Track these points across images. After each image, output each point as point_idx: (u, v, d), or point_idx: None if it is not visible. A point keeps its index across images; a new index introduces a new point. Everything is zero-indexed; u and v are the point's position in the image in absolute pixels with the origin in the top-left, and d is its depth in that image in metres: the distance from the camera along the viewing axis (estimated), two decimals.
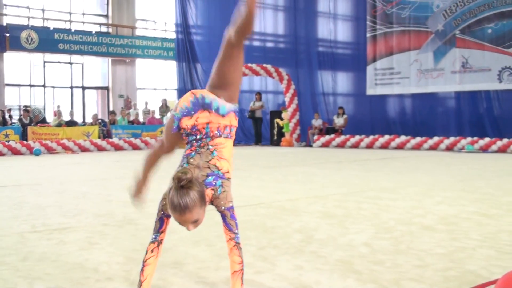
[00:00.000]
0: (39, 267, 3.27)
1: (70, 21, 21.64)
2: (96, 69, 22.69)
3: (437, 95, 16.72)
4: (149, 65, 23.43)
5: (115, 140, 16.89)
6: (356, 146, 16.35)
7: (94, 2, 22.58)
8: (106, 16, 22.58)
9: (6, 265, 3.32)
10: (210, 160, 2.46)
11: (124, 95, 22.32)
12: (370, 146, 16.10)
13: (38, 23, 20.89)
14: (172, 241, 3.77)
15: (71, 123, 17.74)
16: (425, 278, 2.96)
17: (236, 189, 4.60)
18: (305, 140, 18.07)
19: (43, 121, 17.38)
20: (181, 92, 20.98)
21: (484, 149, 14.12)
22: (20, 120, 17.01)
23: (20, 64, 20.61)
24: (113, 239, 4.02)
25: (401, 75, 17.11)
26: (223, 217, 2.45)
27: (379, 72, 17.60)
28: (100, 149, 16.32)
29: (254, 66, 18.16)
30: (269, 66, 18.06)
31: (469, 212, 5.01)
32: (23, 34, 19.50)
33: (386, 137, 16.05)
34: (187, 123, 2.51)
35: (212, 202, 2.46)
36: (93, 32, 21.65)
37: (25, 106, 18.01)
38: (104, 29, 22.54)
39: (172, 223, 2.46)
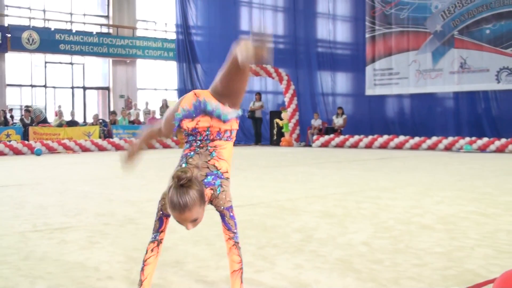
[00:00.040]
0: (41, 266, 3.29)
1: (71, 22, 21.71)
2: (97, 69, 22.75)
3: (436, 95, 16.77)
4: (150, 66, 23.49)
5: (115, 140, 16.95)
6: (355, 146, 16.42)
7: (95, 3, 22.64)
8: (107, 16, 22.64)
9: (7, 264, 3.33)
10: (209, 161, 2.47)
11: (125, 95, 22.38)
12: (369, 146, 16.16)
13: (39, 23, 20.95)
14: (172, 240, 3.78)
15: (72, 123, 17.77)
16: (424, 277, 2.97)
17: (236, 188, 4.68)
18: (304, 140, 18.12)
19: (44, 121, 17.41)
20: (181, 92, 21.03)
21: (482, 149, 14.18)
22: (21, 120, 17.04)
23: (21, 64, 20.66)
24: (114, 239, 4.03)
25: (400, 76, 17.17)
26: (222, 216, 2.45)
27: (378, 72, 17.66)
28: (101, 149, 16.38)
29: (253, 66, 18.22)
30: (268, 67, 18.10)
31: (467, 211, 5.03)
32: (25, 35, 19.57)
33: (385, 137, 16.10)
34: (188, 125, 2.52)
35: (211, 202, 2.46)
36: (94, 33, 21.71)
37: (27, 106, 18.07)
38: (105, 29, 22.60)
39: (172, 222, 2.47)
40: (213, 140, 2.51)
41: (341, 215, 4.91)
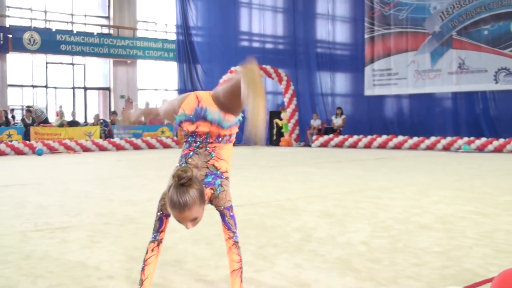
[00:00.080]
0: (42, 265, 3.30)
1: (72, 23, 21.77)
2: (98, 70, 22.81)
3: (434, 95, 16.81)
4: (150, 66, 23.55)
5: (116, 140, 16.99)
6: (354, 146, 16.47)
7: (96, 3, 22.70)
8: (108, 17, 22.70)
9: (9, 263, 3.36)
10: (208, 161, 2.48)
11: (126, 96, 22.43)
12: (368, 146, 16.22)
13: (41, 24, 21.01)
14: (172, 239, 3.80)
15: (73, 123, 17.82)
16: (422, 276, 2.98)
17: (236, 188, 4.74)
18: (304, 140, 18.18)
19: (46, 121, 17.44)
20: (182, 92, 21.05)
21: (481, 149, 14.23)
22: (22, 120, 17.09)
23: (22, 65, 20.70)
24: (114, 238, 4.05)
25: (399, 76, 17.21)
26: (222, 216, 2.46)
27: (377, 73, 17.71)
28: (102, 149, 16.43)
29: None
30: (268, 67, 18.17)
31: (465, 211, 5.05)
32: (26, 36, 19.63)
33: (384, 137, 16.16)
34: (188, 127, 2.54)
35: (211, 202, 2.47)
36: (95, 34, 21.76)
37: (28, 107, 18.09)
38: (105, 30, 22.65)
39: (172, 222, 2.48)
40: (212, 142, 2.53)
41: (340, 214, 4.94)
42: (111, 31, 22.60)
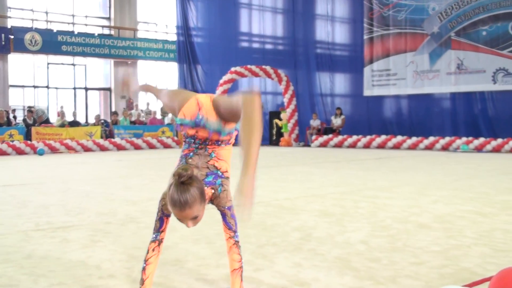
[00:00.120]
0: (43, 264, 3.31)
1: (73, 24, 21.87)
2: (99, 70, 22.91)
3: (433, 96, 16.84)
4: (151, 67, 23.66)
5: (117, 140, 17.02)
6: (353, 146, 16.51)
7: (97, 5, 22.80)
8: (109, 18, 22.80)
9: (10, 262, 3.36)
10: (208, 161, 2.49)
11: (126, 96, 22.54)
12: (367, 146, 16.27)
13: (42, 25, 21.12)
14: (173, 239, 3.81)
15: (74, 124, 17.84)
16: (421, 275, 2.98)
17: (236, 188, 4.78)
18: (303, 140, 18.22)
19: (47, 121, 17.48)
20: None
21: (479, 149, 14.28)
22: (24, 120, 17.14)
23: (24, 65, 20.82)
24: (115, 237, 4.05)
25: (398, 76, 17.26)
26: (223, 215, 2.47)
27: (376, 73, 17.75)
28: (103, 149, 16.46)
29: (253, 67, 18.36)
30: (268, 68, 18.23)
31: (464, 210, 5.07)
32: (27, 36, 19.74)
33: (383, 137, 16.20)
34: (187, 131, 2.55)
35: (212, 201, 2.47)
36: (96, 34, 21.87)
37: (29, 107, 18.17)
38: (106, 31, 22.75)
39: (172, 221, 2.48)
40: (211, 144, 2.54)
41: (340, 214, 4.96)
42: (112, 32, 22.70)
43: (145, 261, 2.50)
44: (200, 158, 2.49)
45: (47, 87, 21.32)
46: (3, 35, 19.37)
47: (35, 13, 21.13)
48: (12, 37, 19.54)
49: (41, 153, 14.72)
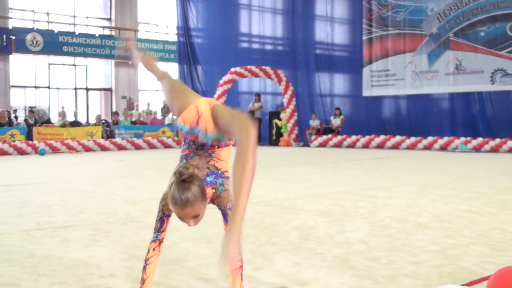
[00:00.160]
0: (44, 263, 3.32)
1: (74, 24, 21.95)
2: (100, 71, 23.00)
3: (432, 96, 16.87)
4: None
5: (118, 140, 17.06)
6: (352, 146, 16.54)
7: (98, 5, 22.88)
8: (109, 19, 22.88)
9: (12, 262, 3.37)
10: (209, 162, 2.50)
11: (127, 96, 22.61)
12: (366, 146, 16.29)
13: (43, 26, 21.19)
14: (173, 238, 3.82)
15: (75, 124, 17.90)
16: (420, 275, 2.99)
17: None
18: (303, 140, 18.25)
19: (48, 121, 17.55)
20: None
21: (477, 149, 14.30)
22: (25, 120, 17.20)
23: (25, 66, 20.89)
24: (116, 237, 4.07)
25: (396, 77, 17.29)
26: (224, 215, 2.47)
27: (375, 73, 17.79)
28: (104, 149, 16.49)
29: (253, 68, 18.41)
30: (268, 68, 18.25)
31: (462, 210, 5.08)
32: (29, 37, 19.82)
33: (382, 137, 16.22)
34: (187, 135, 2.57)
35: (213, 201, 2.47)
36: (97, 35, 21.95)
37: (31, 107, 18.25)
38: (107, 32, 22.83)
39: (173, 221, 2.49)
40: (211, 146, 2.55)
41: (339, 213, 4.97)
42: (113, 33, 22.79)
43: (146, 260, 2.51)
44: (200, 159, 2.50)
45: (48, 87, 21.40)
46: (4, 35, 19.46)
47: (36, 14, 21.20)
48: (13, 37, 19.62)
49: (42, 153, 14.76)
